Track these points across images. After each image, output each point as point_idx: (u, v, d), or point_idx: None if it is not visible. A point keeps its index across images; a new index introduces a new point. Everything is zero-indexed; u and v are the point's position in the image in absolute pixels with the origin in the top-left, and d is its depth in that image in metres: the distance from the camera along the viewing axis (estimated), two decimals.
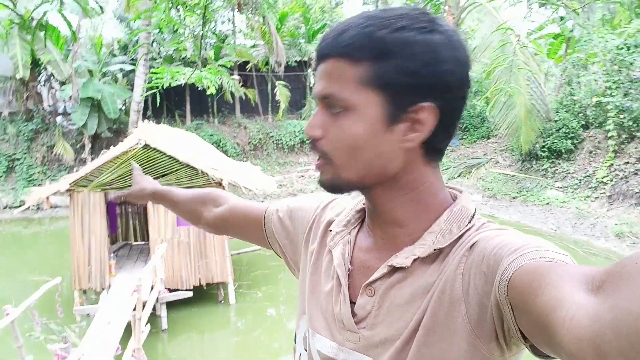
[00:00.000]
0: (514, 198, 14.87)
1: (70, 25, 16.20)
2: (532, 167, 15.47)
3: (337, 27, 0.71)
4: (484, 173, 16.65)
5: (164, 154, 7.75)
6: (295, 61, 20.72)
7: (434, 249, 0.70)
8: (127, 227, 10.94)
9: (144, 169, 7.83)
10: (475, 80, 16.65)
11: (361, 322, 0.75)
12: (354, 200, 0.89)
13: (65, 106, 19.05)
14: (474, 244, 0.68)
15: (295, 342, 0.90)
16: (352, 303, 0.77)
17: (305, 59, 21.21)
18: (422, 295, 0.69)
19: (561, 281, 0.48)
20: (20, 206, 11.71)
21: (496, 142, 18.61)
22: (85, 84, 16.80)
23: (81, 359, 4.64)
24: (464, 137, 19.86)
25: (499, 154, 17.77)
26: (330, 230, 0.86)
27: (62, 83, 17.71)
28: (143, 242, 10.62)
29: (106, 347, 5.21)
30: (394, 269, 0.72)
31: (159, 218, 8.18)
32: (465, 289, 0.65)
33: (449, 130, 0.72)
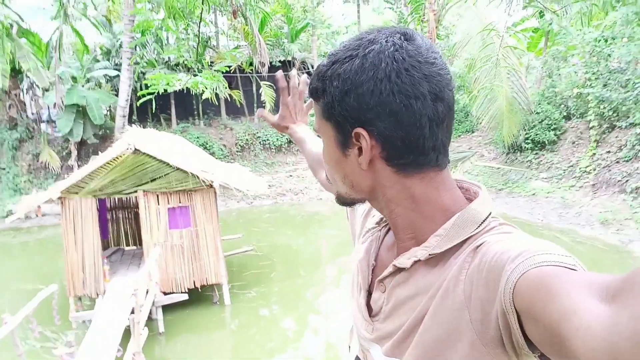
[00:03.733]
0: (500, 190, 15.11)
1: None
2: (516, 159, 15.72)
3: None
4: (470, 166, 16.86)
5: (154, 158, 7.78)
6: (279, 61, 20.77)
7: (429, 255, 0.72)
8: (118, 233, 10.95)
9: (134, 173, 7.87)
10: (458, 76, 16.86)
11: (376, 315, 0.81)
12: None
13: (49, 113, 18.90)
14: (477, 247, 0.68)
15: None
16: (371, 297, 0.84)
17: (289, 58, 21.25)
18: (422, 296, 0.71)
19: (572, 289, 0.47)
20: (7, 216, 11.64)
21: (480, 136, 18.84)
22: (70, 91, 16.69)
23: None
24: None
25: (483, 147, 18.01)
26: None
27: (45, 90, 17.56)
28: (135, 247, 10.63)
29: (105, 351, 5.25)
30: (398, 269, 0.77)
31: (151, 222, 8.21)
32: (467, 295, 0.65)
33: (408, 143, 0.70)
